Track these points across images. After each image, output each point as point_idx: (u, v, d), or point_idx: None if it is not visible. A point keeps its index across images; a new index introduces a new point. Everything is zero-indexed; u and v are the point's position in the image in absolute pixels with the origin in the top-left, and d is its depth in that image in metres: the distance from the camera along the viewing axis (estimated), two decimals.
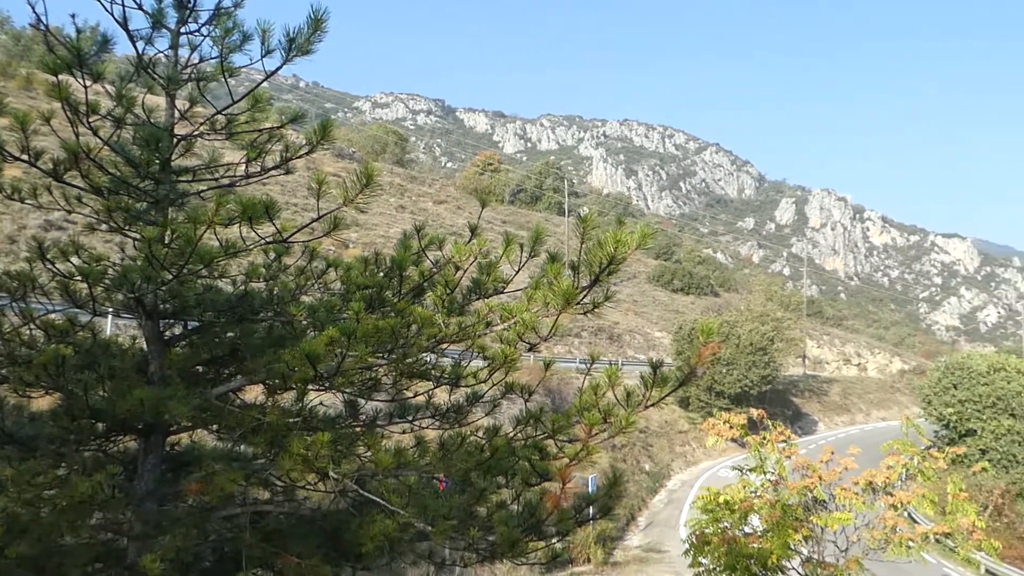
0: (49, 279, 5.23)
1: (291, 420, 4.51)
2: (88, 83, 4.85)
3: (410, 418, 5.53)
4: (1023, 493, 35.36)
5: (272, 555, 4.40)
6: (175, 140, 5.27)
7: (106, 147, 4.98)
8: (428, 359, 5.18)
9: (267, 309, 5.18)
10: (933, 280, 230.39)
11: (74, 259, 5.14)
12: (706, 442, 12.65)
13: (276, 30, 4.72)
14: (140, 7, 5.03)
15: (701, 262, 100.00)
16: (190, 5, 5.14)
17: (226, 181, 5.49)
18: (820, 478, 10.87)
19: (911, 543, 10.14)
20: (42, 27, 4.77)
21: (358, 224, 49.72)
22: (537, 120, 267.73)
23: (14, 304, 5.21)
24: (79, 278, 4.72)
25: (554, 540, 4.54)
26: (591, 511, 5.07)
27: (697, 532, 10.87)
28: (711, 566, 10.35)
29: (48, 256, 5.05)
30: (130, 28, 5.07)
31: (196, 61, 5.30)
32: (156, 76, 5.21)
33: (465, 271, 5.16)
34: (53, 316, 5.49)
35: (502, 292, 5.51)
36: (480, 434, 5.08)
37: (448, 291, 5.03)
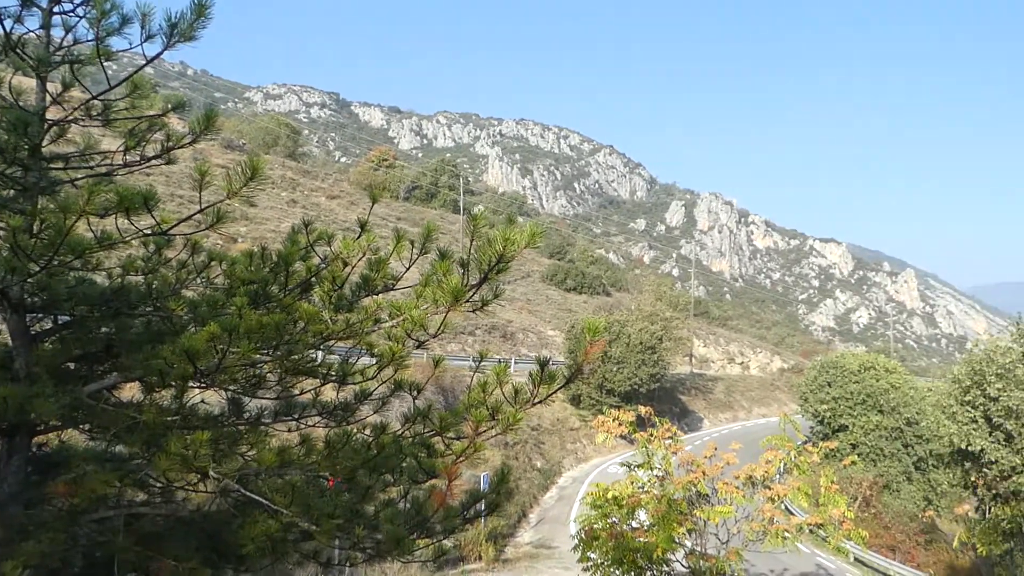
0: None
1: (169, 419, 4.35)
2: None
3: (296, 416, 5.41)
4: (889, 485, 37.46)
5: (147, 559, 4.23)
6: (46, 125, 5.00)
7: None
8: (315, 356, 5.09)
9: (145, 303, 4.98)
10: (811, 283, 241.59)
11: None
12: (596, 439, 12.90)
13: (157, 14, 4.53)
14: None
15: (594, 262, 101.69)
16: None
17: (103, 169, 5.24)
18: (704, 473, 11.24)
19: (787, 534, 10.59)
20: None
21: (248, 218, 48.39)
22: (433, 117, 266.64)
23: None
24: None
25: (441, 537, 4.53)
26: (480, 508, 5.09)
27: (586, 528, 11.07)
28: (599, 560, 10.56)
29: None
30: None
31: (71, 43, 5.03)
32: (25, 56, 4.92)
33: (353, 267, 5.09)
34: None
35: (392, 289, 5.47)
36: (368, 432, 5.02)
37: (336, 287, 4.95)
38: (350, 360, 5.36)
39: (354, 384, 5.37)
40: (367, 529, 4.33)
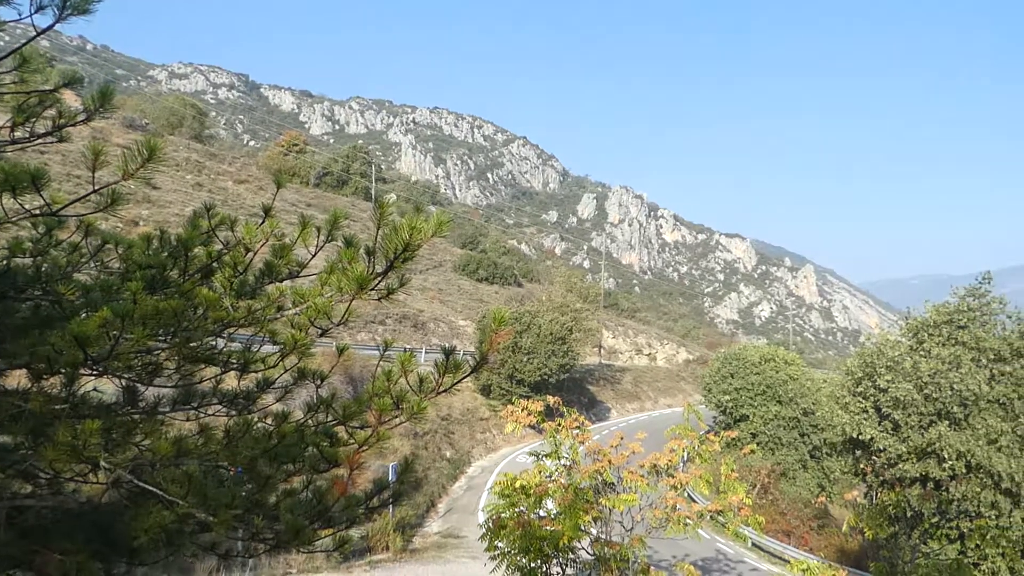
0: None
1: (58, 407, 4.17)
2: None
3: (196, 405, 5.27)
4: (786, 473, 38.91)
5: (31, 553, 4.06)
6: None
7: None
8: (215, 344, 4.95)
9: (33, 287, 4.75)
10: (717, 276, 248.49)
11: None
12: (505, 429, 12.99)
13: None
14: None
15: (506, 253, 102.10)
16: None
17: None
18: (610, 462, 11.46)
19: (688, 521, 10.90)
20: None
21: (151, 201, 46.78)
22: (346, 102, 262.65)
23: None
24: None
25: (342, 527, 4.49)
26: (384, 497, 5.06)
27: (494, 517, 11.15)
28: (507, 549, 10.66)
29: None
30: None
31: None
32: None
33: (256, 253, 4.98)
34: None
35: (297, 276, 5.37)
36: (270, 421, 4.93)
37: (238, 273, 4.83)
38: (253, 348, 5.25)
39: (257, 372, 5.26)
40: (267, 519, 4.25)
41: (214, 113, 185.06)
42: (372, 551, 22.63)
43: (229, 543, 5.17)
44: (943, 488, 26.09)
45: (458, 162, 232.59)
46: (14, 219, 4.37)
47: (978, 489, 25.00)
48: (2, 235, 5.02)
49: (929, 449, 26.18)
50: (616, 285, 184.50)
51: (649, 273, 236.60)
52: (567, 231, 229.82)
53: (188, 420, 5.30)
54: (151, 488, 4.04)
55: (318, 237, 5.10)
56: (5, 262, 4.90)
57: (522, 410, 12.55)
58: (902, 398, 27.68)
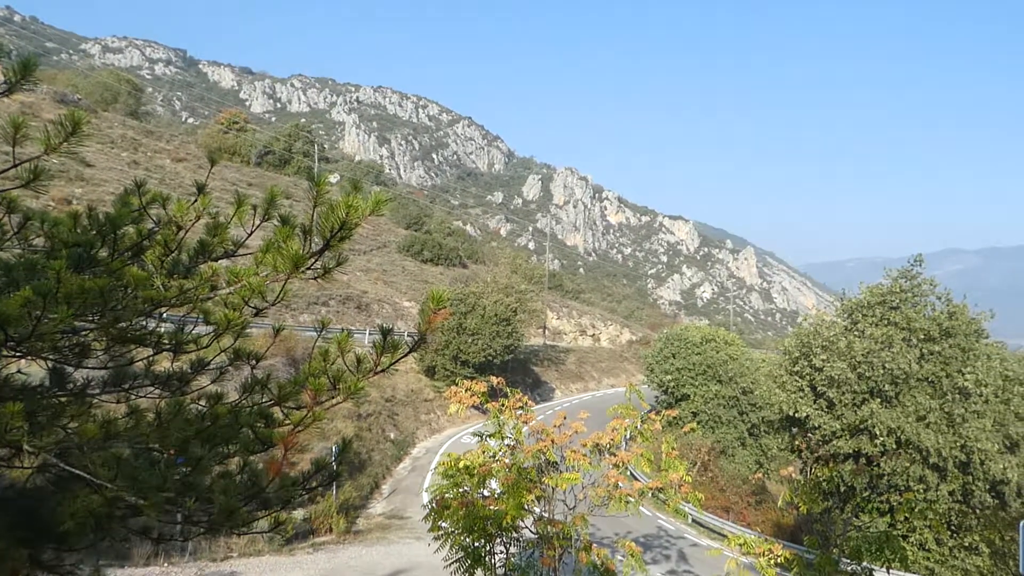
0: None
1: None
2: None
3: (127, 387, 5.14)
4: (726, 450, 39.71)
5: None
6: None
7: None
8: (146, 324, 4.83)
9: None
10: (660, 258, 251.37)
11: None
12: (449, 410, 12.99)
13: None
14: None
15: (451, 234, 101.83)
16: None
17: None
18: (553, 441, 11.53)
19: (630, 499, 11.02)
20: None
21: (84, 179, 45.40)
22: (288, 80, 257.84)
23: None
24: None
25: (278, 509, 4.43)
26: (322, 477, 5.01)
27: (438, 497, 11.16)
28: (450, 529, 10.68)
29: None
30: None
31: None
32: None
33: (188, 231, 4.86)
34: None
35: (233, 255, 5.26)
36: (203, 402, 4.84)
37: (169, 251, 4.71)
38: (187, 329, 5.14)
39: (190, 353, 5.15)
40: (200, 502, 4.18)
41: (151, 89, 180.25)
42: (315, 533, 22.51)
43: (164, 527, 5.08)
44: (874, 464, 26.95)
45: (403, 142, 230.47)
46: None
47: (907, 464, 25.88)
48: None
49: (862, 426, 26.99)
50: (561, 266, 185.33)
51: (594, 255, 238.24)
52: (512, 212, 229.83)
53: (119, 402, 5.18)
54: (79, 472, 3.94)
55: (254, 216, 5.00)
56: None
57: (466, 391, 12.55)
58: (836, 377, 28.45)
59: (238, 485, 4.24)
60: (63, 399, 4.71)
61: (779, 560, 10.84)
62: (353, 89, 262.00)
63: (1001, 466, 24.98)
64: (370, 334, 41.77)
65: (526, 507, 10.70)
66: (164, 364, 5.47)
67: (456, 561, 10.51)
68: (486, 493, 11.17)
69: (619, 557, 11.50)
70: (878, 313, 29.57)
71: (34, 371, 4.93)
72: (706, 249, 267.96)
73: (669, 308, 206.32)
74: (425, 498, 22.48)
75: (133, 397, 5.10)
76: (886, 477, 26.34)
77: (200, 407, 4.73)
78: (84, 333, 4.47)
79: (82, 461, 4.03)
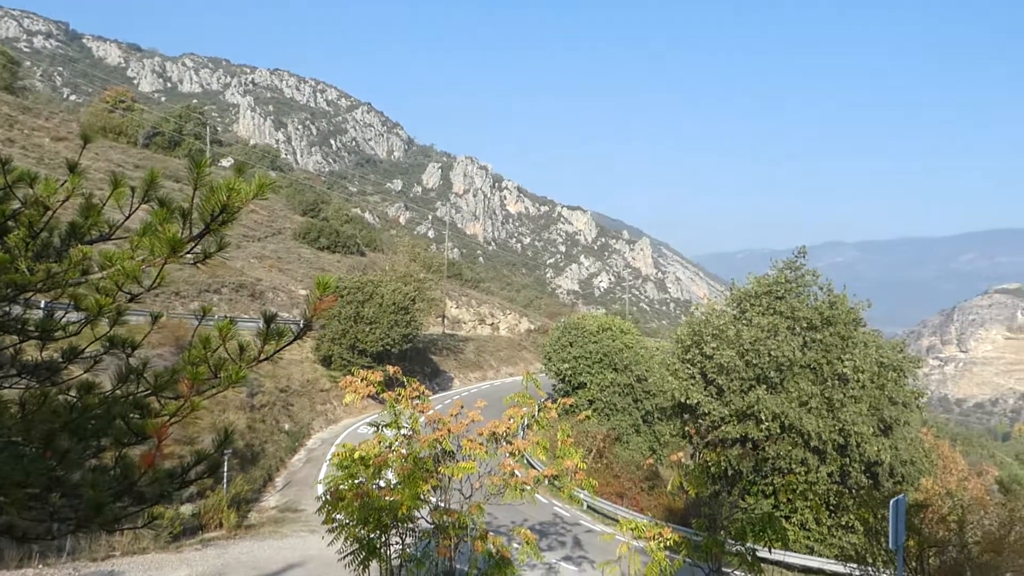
0: None
1: None
2: None
3: None
4: (620, 437, 40.54)
5: None
6: None
7: None
8: (9, 310, 4.54)
9: None
10: (559, 248, 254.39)
11: None
12: (344, 400, 12.80)
13: None
14: None
15: (348, 221, 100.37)
16: None
17: None
18: (449, 431, 11.52)
19: (525, 486, 11.11)
20: None
21: None
22: (179, 59, 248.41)
23: None
24: None
25: (151, 503, 4.24)
26: (200, 469, 4.81)
27: (332, 489, 11.02)
28: (345, 521, 10.55)
29: None
30: None
31: None
32: None
33: (56, 212, 4.58)
34: None
35: (109, 239, 5.00)
36: (73, 393, 4.58)
37: (34, 233, 4.43)
38: (57, 315, 4.86)
39: (60, 341, 4.87)
40: (67, 497, 3.96)
41: (28, 63, 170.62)
42: (205, 529, 21.86)
43: (29, 526, 4.80)
44: (760, 448, 28.01)
45: (300, 127, 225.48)
46: None
47: (790, 447, 27.01)
48: None
49: (749, 412, 27.99)
50: (460, 255, 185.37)
51: (493, 244, 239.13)
52: (412, 200, 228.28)
53: None
54: None
55: (133, 198, 4.76)
56: None
57: (362, 380, 12.42)
58: (726, 364, 29.38)
59: (107, 479, 4.04)
60: None
61: (669, 543, 11.12)
62: (249, 71, 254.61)
63: (875, 448, 26.36)
64: (263, 322, 40.72)
65: (422, 497, 10.67)
66: (33, 353, 5.17)
67: (351, 553, 10.40)
68: (382, 484, 11.09)
69: (515, 545, 11.58)
70: (765, 303, 30.67)
71: None
72: (603, 239, 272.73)
73: (567, 297, 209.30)
74: (320, 490, 22.12)
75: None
76: (770, 460, 27.42)
77: (71, 398, 4.48)
78: None
79: None
